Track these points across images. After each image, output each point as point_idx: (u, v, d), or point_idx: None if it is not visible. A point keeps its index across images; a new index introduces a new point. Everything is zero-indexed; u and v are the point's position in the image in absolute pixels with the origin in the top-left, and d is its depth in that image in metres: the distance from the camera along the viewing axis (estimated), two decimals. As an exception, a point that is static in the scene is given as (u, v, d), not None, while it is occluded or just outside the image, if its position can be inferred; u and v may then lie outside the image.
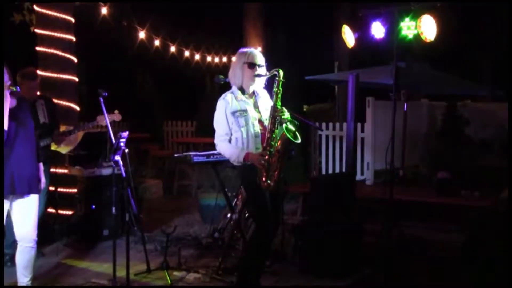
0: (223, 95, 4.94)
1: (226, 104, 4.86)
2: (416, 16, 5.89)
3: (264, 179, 4.67)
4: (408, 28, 5.86)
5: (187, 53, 11.72)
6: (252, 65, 4.85)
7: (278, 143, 4.69)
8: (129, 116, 12.70)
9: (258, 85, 4.95)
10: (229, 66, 12.12)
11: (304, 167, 10.47)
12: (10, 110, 4.64)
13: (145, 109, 15.03)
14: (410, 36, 5.91)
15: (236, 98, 4.87)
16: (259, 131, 4.83)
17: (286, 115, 4.74)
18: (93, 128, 7.12)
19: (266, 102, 4.97)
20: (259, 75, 4.86)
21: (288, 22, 14.06)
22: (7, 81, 4.62)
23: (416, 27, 5.86)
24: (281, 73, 4.74)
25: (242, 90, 4.92)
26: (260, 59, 4.91)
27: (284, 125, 4.69)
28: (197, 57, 11.98)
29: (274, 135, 4.72)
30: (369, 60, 9.98)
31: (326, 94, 15.01)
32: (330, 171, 10.20)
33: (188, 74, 13.32)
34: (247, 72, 4.87)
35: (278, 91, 4.76)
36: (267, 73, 4.85)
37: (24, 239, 4.88)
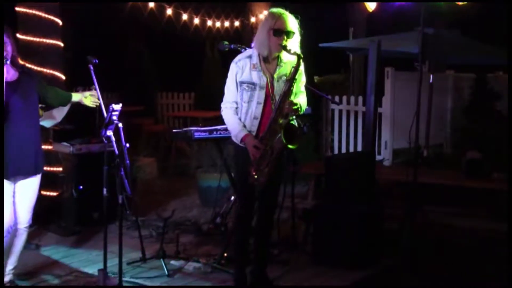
0: (236, 58, 4.83)
1: (237, 69, 4.77)
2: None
3: (254, 172, 4.62)
4: (438, -11, 5.74)
5: (185, 17, 11.56)
6: (279, 33, 4.65)
7: (277, 141, 4.60)
8: (119, 86, 12.61)
9: (286, 54, 4.74)
10: (231, 32, 12.10)
11: (315, 145, 10.38)
12: (10, 83, 4.68)
13: (137, 78, 14.88)
14: (441, -1, 5.79)
15: (251, 66, 4.73)
16: (261, 113, 4.73)
17: (295, 107, 4.62)
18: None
19: (288, 72, 4.76)
20: (284, 48, 4.63)
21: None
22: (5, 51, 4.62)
23: (447, -12, 5.74)
24: (301, 62, 4.61)
25: (264, 57, 4.77)
26: (291, 24, 4.69)
27: (285, 121, 4.59)
28: (196, 21, 11.82)
29: (276, 127, 4.61)
30: (389, 26, 9.84)
31: (339, 64, 14.89)
32: (343, 150, 10.12)
33: (186, 40, 13.17)
34: (272, 39, 4.68)
35: (294, 80, 4.64)
36: (291, 52, 4.61)
37: (21, 222, 4.98)
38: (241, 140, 4.71)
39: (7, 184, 4.76)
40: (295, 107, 4.62)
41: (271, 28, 4.67)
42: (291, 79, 4.64)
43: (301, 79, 4.84)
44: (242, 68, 4.74)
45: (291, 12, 4.79)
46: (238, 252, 5.10)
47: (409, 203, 5.95)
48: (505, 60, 7.80)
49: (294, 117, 4.71)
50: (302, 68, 4.74)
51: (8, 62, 4.67)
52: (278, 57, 4.79)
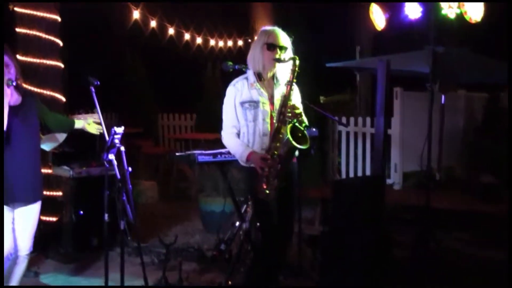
0: (234, 81, 4.90)
1: (235, 91, 4.82)
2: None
3: (264, 186, 4.62)
4: (449, 6, 5.78)
5: (187, 36, 11.65)
6: (272, 47, 4.76)
7: (283, 146, 4.62)
8: (117, 107, 12.65)
9: (280, 71, 4.84)
10: (234, 51, 12.15)
11: (321, 168, 10.39)
12: (13, 107, 4.71)
13: (137, 99, 14.93)
14: (452, 15, 5.83)
15: (249, 85, 4.81)
16: (269, 129, 4.77)
17: (297, 112, 4.66)
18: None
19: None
20: (278, 60, 4.77)
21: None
22: (7, 74, 4.69)
23: (459, 6, 5.78)
24: (297, 61, 4.67)
25: (259, 75, 4.84)
26: (283, 40, 4.81)
27: (290, 125, 4.61)
28: (199, 40, 11.90)
29: (280, 135, 4.64)
30: (398, 44, 9.88)
31: (345, 84, 14.94)
32: (351, 173, 10.13)
33: (188, 60, 13.24)
34: (266, 54, 4.79)
35: (293, 82, 4.69)
36: (286, 59, 4.76)
37: (22, 249, 4.97)
38: (247, 159, 4.73)
39: (6, 210, 4.77)
40: (298, 110, 4.66)
41: (264, 43, 4.78)
42: (290, 82, 4.69)
43: (297, 95, 4.91)
44: (240, 90, 4.81)
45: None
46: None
47: (420, 229, 5.96)
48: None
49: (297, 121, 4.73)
50: (296, 90, 4.86)
51: (14, 84, 4.72)
52: (274, 77, 4.87)
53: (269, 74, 4.85)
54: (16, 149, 4.73)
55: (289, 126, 4.58)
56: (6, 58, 4.76)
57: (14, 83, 4.72)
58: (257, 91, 4.79)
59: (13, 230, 4.89)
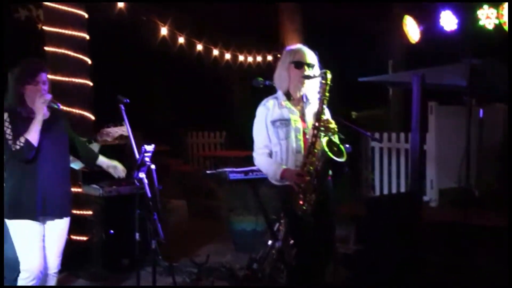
0: (264, 100, 4.93)
1: (266, 111, 4.85)
2: (497, 2, 5.75)
3: (301, 202, 4.60)
4: (487, 17, 5.72)
5: (215, 52, 11.68)
6: (300, 65, 4.80)
7: (319, 161, 4.60)
8: (145, 125, 12.70)
9: (309, 89, 4.86)
10: (263, 66, 12.16)
11: (354, 185, 10.33)
12: (43, 122, 4.76)
13: (165, 117, 15.00)
14: (490, 26, 5.77)
15: (279, 104, 4.84)
16: (302, 146, 4.77)
17: (332, 126, 4.65)
18: (111, 140, 7.06)
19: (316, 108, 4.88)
20: (307, 77, 4.78)
21: (331, 14, 13.94)
22: (42, 90, 4.78)
23: (497, 16, 5.72)
24: (329, 75, 4.66)
25: (288, 95, 4.87)
26: (310, 57, 4.85)
27: (325, 138, 4.59)
28: (227, 56, 11.93)
29: (315, 150, 4.63)
30: (432, 57, 9.82)
31: (377, 99, 14.86)
32: (385, 190, 10.05)
33: (216, 76, 13.28)
34: (293, 73, 4.83)
35: (324, 97, 4.69)
36: (316, 74, 4.77)
37: (50, 267, 5.01)
38: (281, 177, 4.72)
39: (36, 225, 4.81)
40: (332, 125, 4.65)
41: (291, 62, 4.83)
42: (322, 97, 4.69)
43: (327, 110, 4.89)
44: (271, 109, 4.84)
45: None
46: None
47: (459, 248, 5.88)
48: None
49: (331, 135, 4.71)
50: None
51: (59, 107, 4.88)
52: (303, 96, 4.90)
53: (298, 92, 4.88)
54: (45, 163, 4.79)
55: (325, 140, 4.57)
56: (44, 75, 4.85)
57: (59, 107, 4.86)
58: (288, 110, 4.82)
59: (44, 248, 4.92)
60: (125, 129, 5.53)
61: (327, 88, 4.66)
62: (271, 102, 4.87)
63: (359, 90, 11.39)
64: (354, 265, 6.20)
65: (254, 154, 4.93)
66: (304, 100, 4.91)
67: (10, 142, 4.64)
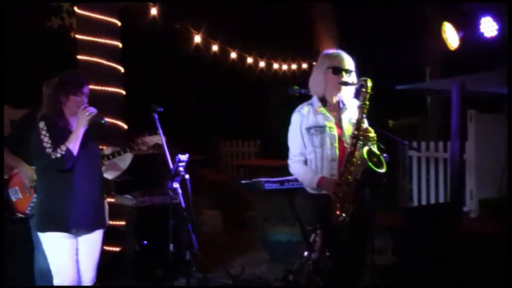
0: (299, 107, 4.89)
1: (301, 118, 4.82)
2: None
3: (338, 212, 4.57)
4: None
5: (249, 60, 11.69)
6: (338, 71, 4.76)
7: (358, 170, 4.57)
8: (178, 134, 12.76)
9: (346, 95, 4.83)
10: (298, 74, 12.15)
11: (392, 195, 10.26)
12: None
13: (198, 125, 15.04)
14: (531, 32, 5.71)
15: (314, 111, 4.80)
16: (337, 153, 4.73)
17: (371, 136, 4.61)
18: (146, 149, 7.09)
19: (354, 116, 4.84)
20: (345, 83, 4.75)
21: (366, 20, 13.90)
22: (85, 103, 4.88)
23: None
24: (369, 83, 4.61)
25: (324, 100, 4.83)
26: (348, 63, 4.81)
27: (366, 148, 4.56)
28: (262, 64, 11.94)
29: (353, 159, 4.60)
30: (471, 64, 9.74)
31: (415, 107, 14.76)
32: (423, 200, 9.97)
33: (251, 84, 13.28)
34: (331, 78, 4.78)
35: (364, 105, 4.63)
36: (355, 82, 4.74)
37: (85, 281, 5.04)
38: (318, 185, 4.68)
39: (69, 239, 4.83)
40: (371, 134, 4.62)
41: (328, 67, 4.78)
42: (362, 105, 4.64)
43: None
44: (306, 115, 4.80)
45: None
46: None
47: (499, 260, 5.81)
48: None
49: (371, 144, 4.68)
50: None
51: (107, 124, 4.97)
52: (339, 102, 4.86)
53: (334, 99, 4.84)
54: (80, 175, 4.81)
55: (365, 150, 4.53)
56: (87, 88, 4.96)
57: (106, 123, 4.95)
58: (323, 116, 4.78)
59: (77, 261, 4.94)
60: (159, 138, 5.55)
61: (368, 96, 4.60)
62: (305, 109, 4.83)
63: (396, 98, 11.33)
64: (392, 276, 6.13)
65: (289, 162, 4.89)
66: (341, 106, 4.87)
67: (49, 150, 4.65)
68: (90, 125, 4.94)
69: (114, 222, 7.29)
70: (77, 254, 4.93)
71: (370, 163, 4.46)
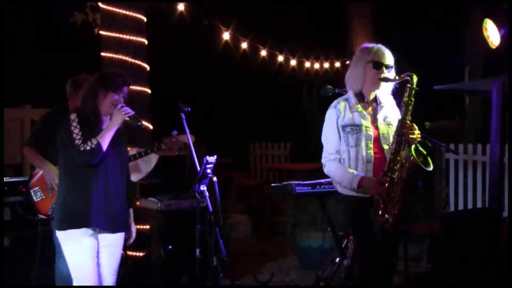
0: (334, 102, 4.84)
1: (338, 114, 4.76)
2: None
3: (381, 212, 4.52)
4: None
5: (280, 58, 11.66)
6: (379, 66, 4.70)
7: (403, 169, 4.52)
8: (206, 136, 12.78)
9: (383, 91, 4.80)
10: (331, 74, 12.11)
11: (427, 200, 10.18)
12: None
13: (227, 127, 15.06)
14: None
15: (351, 107, 4.75)
16: (373, 154, 4.69)
17: (417, 133, 4.58)
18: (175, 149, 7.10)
19: (390, 114, 4.83)
20: (385, 79, 4.71)
21: (403, 18, 13.84)
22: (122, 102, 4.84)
23: None
24: (415, 79, 4.58)
25: (361, 96, 4.79)
26: (389, 58, 4.76)
27: (413, 146, 4.52)
28: (293, 62, 11.90)
29: (398, 158, 4.56)
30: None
31: (452, 108, 14.65)
32: (460, 205, 9.88)
33: (281, 84, 13.26)
34: (370, 73, 4.73)
35: (410, 102, 4.59)
36: (397, 77, 4.70)
37: (101, 284, 4.97)
38: (359, 186, 4.60)
39: (90, 237, 4.80)
40: (417, 132, 4.57)
41: (368, 61, 4.72)
42: (407, 101, 4.60)
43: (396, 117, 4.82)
44: (342, 112, 4.74)
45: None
46: None
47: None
48: None
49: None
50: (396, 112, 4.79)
51: (142, 126, 5.00)
52: (376, 99, 4.82)
53: (372, 95, 4.81)
54: (107, 174, 4.80)
55: (412, 147, 4.49)
56: (126, 90, 4.94)
57: (142, 126, 4.97)
58: (359, 114, 4.73)
59: (98, 264, 4.93)
60: (187, 138, 5.56)
61: (413, 92, 4.58)
62: (342, 104, 4.76)
63: (433, 99, 11.24)
64: (427, 285, 6.08)
65: (324, 161, 4.80)
66: (378, 102, 4.83)
67: (78, 141, 4.63)
68: (123, 126, 4.95)
69: (138, 226, 7.27)
70: (97, 257, 4.93)
71: (418, 161, 4.43)
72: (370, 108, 4.81)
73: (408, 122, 4.59)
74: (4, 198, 6.22)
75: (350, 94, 4.81)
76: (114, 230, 4.94)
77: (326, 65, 12.43)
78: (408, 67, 4.76)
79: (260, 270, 7.90)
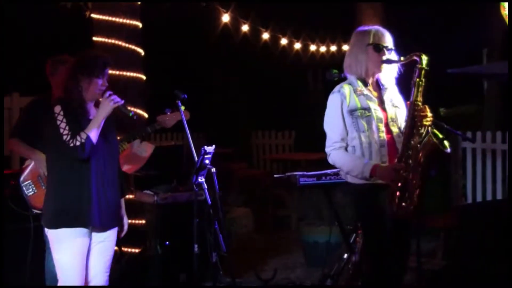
0: (337, 87, 4.83)
1: (342, 99, 4.74)
2: None
3: (397, 201, 4.52)
4: None
5: (284, 41, 11.66)
6: (379, 48, 4.74)
7: (420, 153, 4.54)
8: (205, 124, 12.81)
9: (385, 74, 4.83)
10: (338, 57, 12.11)
11: (442, 191, 10.20)
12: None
13: (227, 115, 15.08)
14: None
15: (355, 91, 4.76)
16: (386, 138, 4.71)
17: (430, 116, 4.59)
18: (166, 141, 7.14)
19: (395, 97, 4.86)
20: (388, 61, 4.74)
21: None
22: (104, 86, 4.84)
23: None
24: (425, 59, 4.59)
25: (363, 81, 4.81)
26: (388, 40, 4.80)
27: (429, 128, 4.54)
28: (297, 46, 11.90)
29: (412, 143, 4.57)
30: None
31: (469, 93, 14.66)
32: (478, 197, 9.91)
33: (285, 69, 13.26)
34: (372, 56, 4.75)
35: (421, 82, 4.59)
36: (402, 58, 4.72)
37: (93, 282, 4.98)
38: (371, 174, 4.58)
39: (81, 237, 4.79)
40: (429, 114, 4.56)
41: (368, 44, 4.75)
42: (418, 81, 4.59)
43: (400, 99, 4.87)
44: (347, 96, 4.74)
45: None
46: None
47: None
48: None
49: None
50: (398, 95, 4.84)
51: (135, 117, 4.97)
52: (378, 82, 4.86)
53: (373, 78, 4.84)
54: (99, 166, 4.80)
55: (430, 128, 4.52)
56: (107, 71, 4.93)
57: (134, 116, 4.93)
58: (365, 97, 4.74)
59: (88, 261, 4.91)
60: (179, 115, 5.55)
61: (423, 72, 4.57)
62: (347, 88, 4.76)
63: (448, 83, 11.26)
64: (442, 282, 6.11)
65: (329, 150, 4.79)
66: (381, 86, 4.85)
67: (66, 137, 4.63)
68: (111, 115, 4.94)
69: (133, 221, 7.34)
70: (88, 255, 4.94)
71: (434, 139, 4.45)
72: (374, 91, 4.84)
73: (419, 104, 4.59)
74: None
75: (352, 78, 4.82)
76: (109, 227, 4.97)
77: (333, 48, 12.41)
78: (421, 49, 4.77)
79: (263, 267, 7.95)
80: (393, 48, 4.79)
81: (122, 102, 4.82)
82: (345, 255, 6.35)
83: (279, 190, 10.50)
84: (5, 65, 7.78)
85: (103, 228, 4.91)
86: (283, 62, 12.41)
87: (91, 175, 4.76)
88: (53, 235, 4.80)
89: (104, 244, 4.98)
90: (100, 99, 4.89)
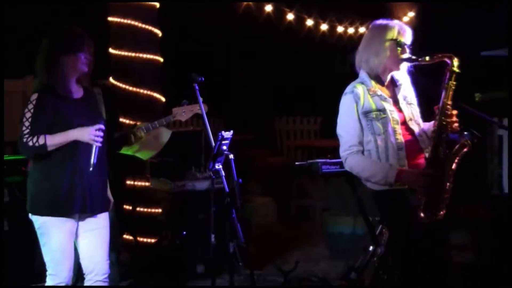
0: (350, 87, 4.77)
1: (356, 99, 4.68)
2: None
3: (424, 208, 4.45)
4: None
5: (309, 22, 11.63)
6: (402, 45, 4.65)
7: (452, 162, 4.52)
8: (225, 109, 12.83)
9: (399, 72, 4.78)
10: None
11: (476, 181, 10.17)
12: (76, 100, 4.82)
13: (249, 99, 15.04)
14: None
15: (368, 91, 4.69)
16: (403, 140, 4.65)
17: (455, 120, 4.55)
18: (184, 127, 7.14)
19: (408, 93, 4.83)
20: (410, 60, 4.67)
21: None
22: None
23: None
24: (456, 61, 4.50)
25: (377, 78, 4.76)
26: (409, 37, 4.73)
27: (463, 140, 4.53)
28: (324, 27, 11.86)
29: (440, 150, 4.51)
30: None
31: (506, 77, 14.54)
32: (515, 187, 9.88)
33: (311, 51, 13.21)
34: (394, 53, 4.66)
35: (452, 85, 4.51)
36: (427, 58, 4.60)
37: (98, 272, 4.98)
38: (397, 179, 4.51)
39: (70, 224, 4.80)
40: (455, 121, 4.55)
41: (391, 39, 4.66)
42: (448, 84, 4.50)
43: (411, 92, 4.87)
44: (361, 97, 4.67)
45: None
46: None
47: None
48: None
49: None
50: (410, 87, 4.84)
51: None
52: (393, 79, 4.80)
53: (389, 77, 4.77)
54: (82, 151, 4.74)
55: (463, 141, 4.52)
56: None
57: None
58: (379, 97, 4.68)
59: (74, 250, 4.92)
60: (198, 108, 5.56)
61: (454, 76, 4.48)
62: (360, 89, 4.68)
63: (484, 67, 11.19)
64: (473, 277, 6.10)
65: (345, 154, 4.74)
66: (397, 84, 4.80)
67: (24, 131, 4.60)
68: (88, 93, 4.96)
69: (149, 210, 7.39)
70: (84, 244, 4.95)
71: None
72: (388, 90, 4.78)
73: (449, 108, 4.52)
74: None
75: (364, 76, 4.74)
76: (99, 212, 4.93)
77: (362, 29, 12.34)
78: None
79: (284, 259, 7.95)
80: (411, 46, 4.73)
81: (100, 146, 4.70)
82: (371, 248, 6.35)
83: (303, 179, 10.50)
84: (18, 47, 7.82)
85: (90, 213, 4.87)
86: (308, 44, 12.36)
87: (74, 162, 4.74)
88: (37, 221, 4.79)
89: (98, 231, 4.97)
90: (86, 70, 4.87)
